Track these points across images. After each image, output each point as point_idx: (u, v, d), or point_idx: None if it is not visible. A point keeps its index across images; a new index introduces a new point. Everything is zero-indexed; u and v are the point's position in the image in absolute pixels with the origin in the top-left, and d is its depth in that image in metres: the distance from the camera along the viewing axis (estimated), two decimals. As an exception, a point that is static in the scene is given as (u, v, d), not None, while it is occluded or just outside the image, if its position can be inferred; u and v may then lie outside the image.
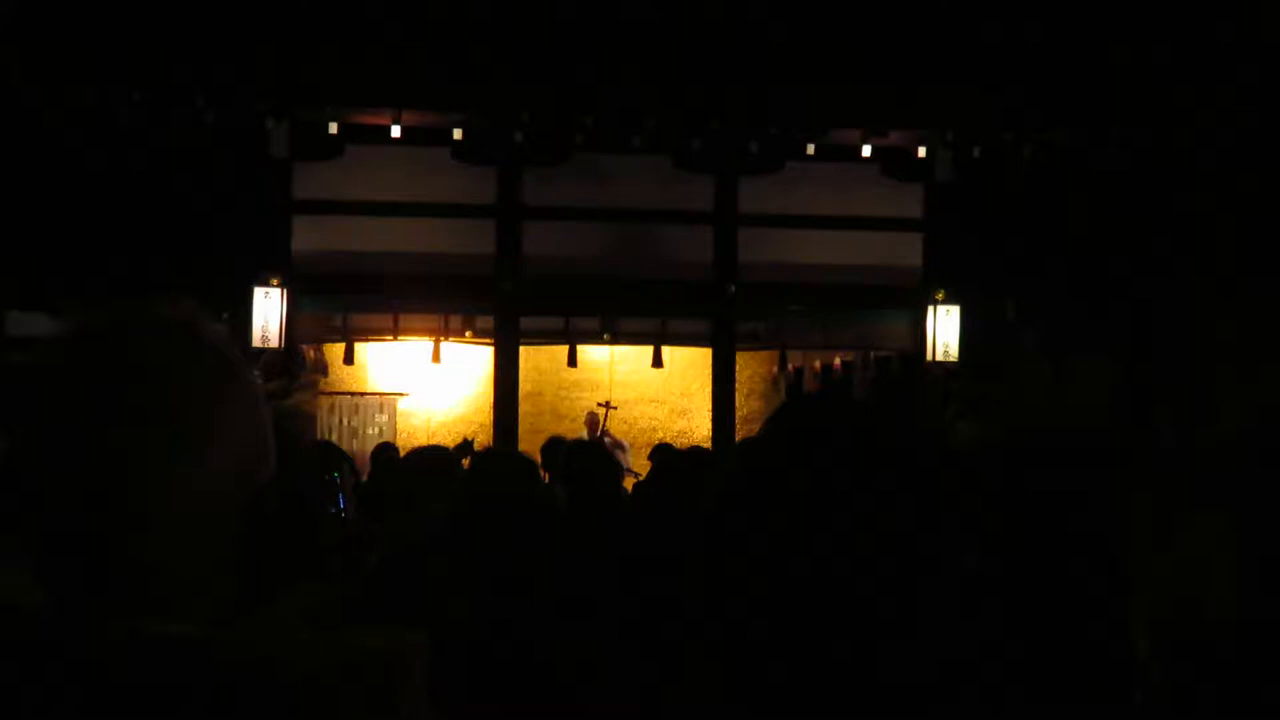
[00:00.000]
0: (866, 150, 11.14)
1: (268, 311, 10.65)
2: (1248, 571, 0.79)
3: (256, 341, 10.56)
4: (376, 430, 13.55)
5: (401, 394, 14.01)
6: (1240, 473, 0.81)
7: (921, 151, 11.29)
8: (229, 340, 1.26)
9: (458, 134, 10.87)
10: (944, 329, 11.41)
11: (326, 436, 13.09)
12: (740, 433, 11.92)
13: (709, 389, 12.28)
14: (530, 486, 3.68)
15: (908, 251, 11.95)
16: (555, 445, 8.75)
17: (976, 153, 11.02)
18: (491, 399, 11.93)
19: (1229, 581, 0.84)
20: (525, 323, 11.83)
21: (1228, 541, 0.81)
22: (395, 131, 10.63)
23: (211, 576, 1.18)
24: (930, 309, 11.43)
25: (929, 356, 11.46)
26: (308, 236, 11.28)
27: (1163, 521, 0.90)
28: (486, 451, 4.36)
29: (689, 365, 13.82)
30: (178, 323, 1.22)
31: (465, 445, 8.22)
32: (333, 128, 10.67)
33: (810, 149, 11.18)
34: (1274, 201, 9.55)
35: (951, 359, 11.41)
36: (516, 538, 3.41)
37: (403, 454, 7.28)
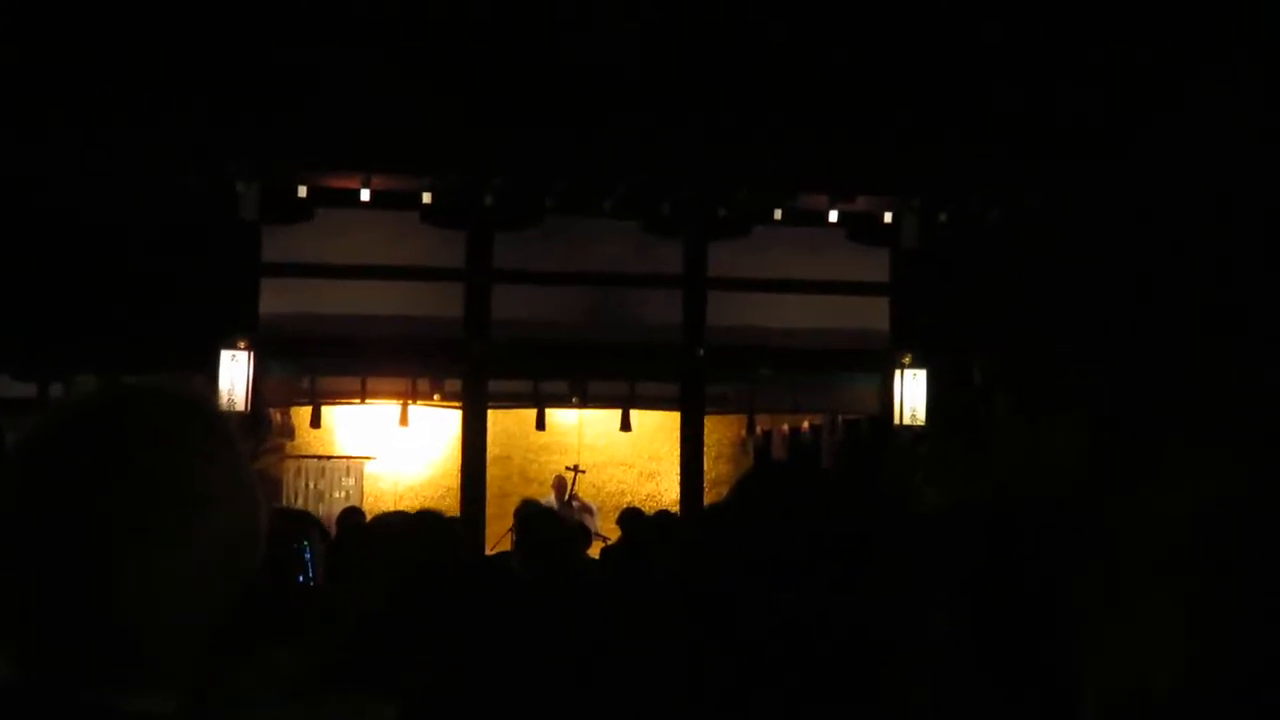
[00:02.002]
0: (834, 215, 11.24)
1: (234, 374, 10.59)
2: (1201, 647, 0.80)
3: (223, 404, 10.51)
4: (343, 494, 13.44)
5: (368, 457, 13.93)
6: (1198, 546, 0.82)
7: (888, 217, 11.40)
8: (228, 417, 1.27)
9: (427, 198, 10.91)
10: (911, 392, 11.45)
11: (292, 501, 12.99)
12: (709, 496, 11.90)
13: (678, 452, 12.27)
14: (434, 545, 3.56)
15: (875, 315, 12.03)
16: (525, 508, 8.72)
17: (942, 217, 11.13)
18: (459, 462, 11.88)
19: (1182, 656, 0.84)
20: (494, 386, 11.81)
21: (1182, 614, 0.82)
22: (365, 195, 10.65)
23: (191, 650, 1.18)
24: (898, 372, 11.49)
25: (897, 420, 11.49)
26: (276, 299, 11.26)
27: (1119, 589, 0.90)
28: (381, 516, 4.23)
29: (658, 429, 13.81)
30: (180, 399, 1.22)
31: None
32: (302, 191, 10.69)
33: (778, 214, 11.27)
34: (1238, 262, 9.68)
35: (919, 423, 11.45)
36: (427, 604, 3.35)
37: (369, 518, 7.24)
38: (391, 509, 7.65)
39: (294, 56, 10.18)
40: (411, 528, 3.58)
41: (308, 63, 10.18)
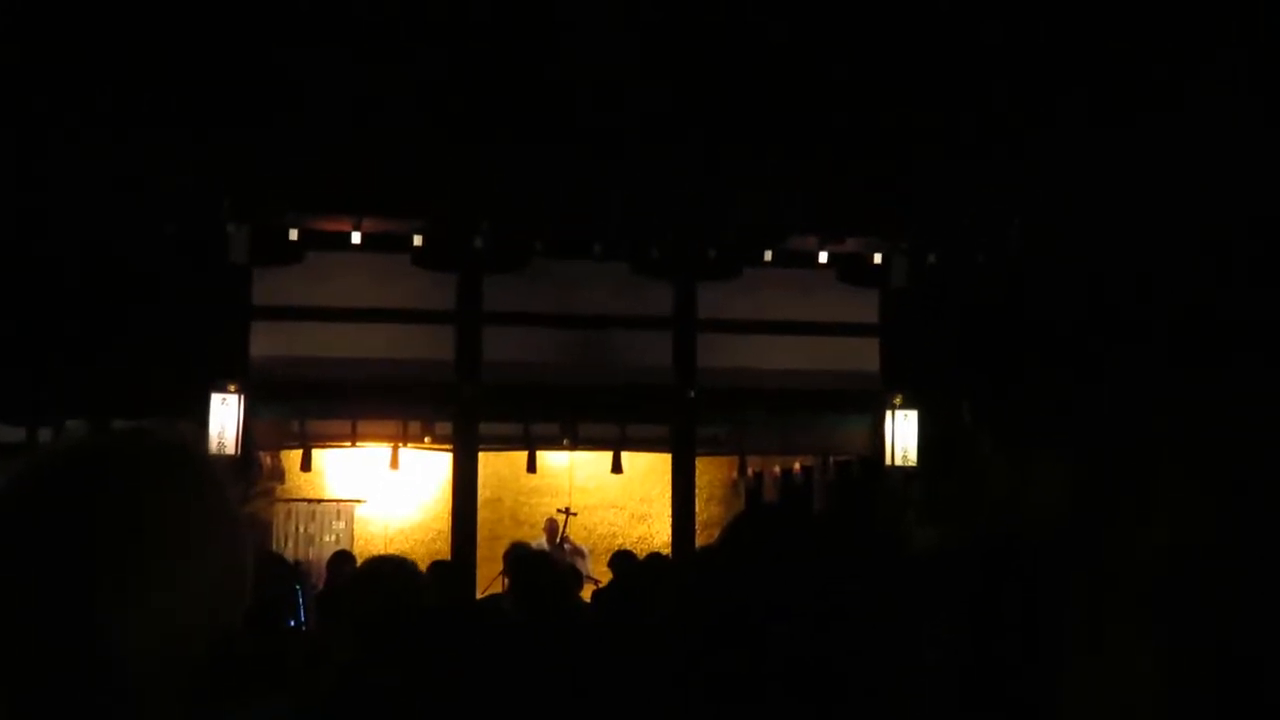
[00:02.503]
0: (823, 256, 11.28)
1: (224, 418, 10.56)
2: (1183, 683, 0.80)
3: (213, 448, 10.47)
4: (333, 538, 13.40)
5: (359, 500, 13.89)
6: (1179, 581, 0.81)
7: (877, 258, 11.44)
8: (219, 466, 1.27)
9: (418, 240, 10.93)
10: (903, 433, 11.46)
11: (282, 544, 12.96)
12: (701, 538, 11.87)
13: (669, 494, 12.25)
14: (403, 592, 3.55)
15: (865, 356, 12.05)
16: (515, 551, 8.69)
17: (931, 258, 11.18)
18: (450, 505, 11.84)
19: (1164, 693, 0.84)
20: (484, 428, 11.79)
21: (1165, 650, 0.81)
22: (355, 238, 10.67)
23: (176, 696, 1.17)
24: (889, 413, 11.49)
25: (888, 461, 11.49)
26: (266, 342, 11.25)
27: (1101, 625, 0.90)
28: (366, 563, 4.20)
29: (649, 471, 13.80)
30: (167, 443, 1.22)
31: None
32: (293, 234, 10.71)
33: (768, 255, 11.31)
34: (1220, 308, 9.71)
35: (911, 463, 11.44)
36: (403, 646, 3.33)
37: (359, 562, 7.21)
38: (382, 552, 7.63)
39: (285, 99, 10.22)
40: (372, 577, 3.57)
41: (298, 105, 10.22)
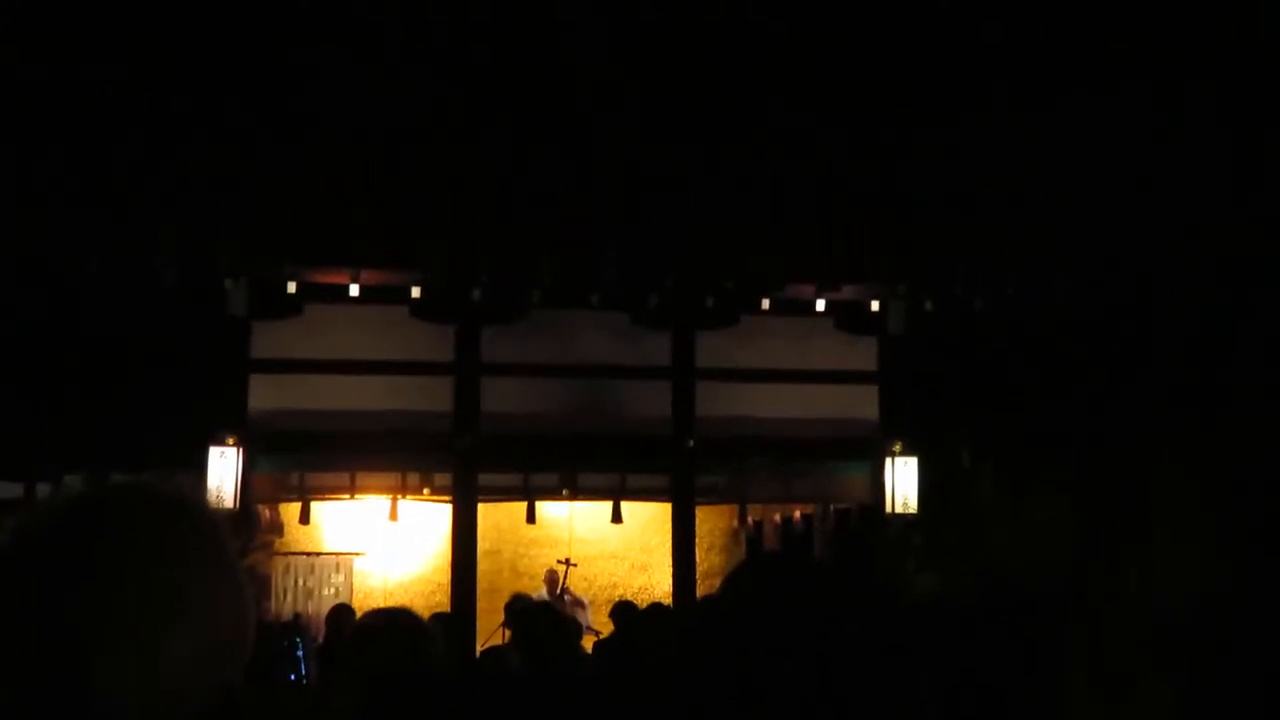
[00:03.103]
0: (821, 304, 11.30)
1: (223, 471, 10.55)
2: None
3: (211, 502, 10.45)
4: (332, 591, 13.34)
5: (358, 553, 13.84)
6: (1186, 639, 0.82)
7: (875, 305, 11.47)
8: (217, 518, 1.26)
9: (416, 292, 10.95)
10: (902, 480, 11.43)
11: (281, 599, 12.90)
12: (701, 588, 11.82)
13: (669, 544, 12.20)
14: (411, 649, 3.51)
15: (864, 403, 12.04)
16: (516, 603, 8.65)
17: (928, 305, 11.20)
18: (450, 557, 11.80)
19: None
20: (483, 479, 11.76)
21: (1170, 705, 0.81)
22: (354, 290, 10.69)
23: None
24: (888, 460, 11.48)
25: (888, 508, 11.46)
26: (265, 395, 11.25)
27: (1106, 679, 0.90)
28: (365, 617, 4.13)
29: (649, 520, 13.76)
30: (169, 498, 1.22)
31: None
32: (291, 287, 10.73)
33: (766, 304, 11.33)
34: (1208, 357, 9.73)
35: (911, 510, 11.42)
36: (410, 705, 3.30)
37: (359, 615, 7.17)
38: (381, 605, 7.59)
39: (282, 151, 10.27)
40: (380, 629, 3.55)
41: (296, 158, 10.27)
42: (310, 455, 11.42)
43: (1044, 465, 10.63)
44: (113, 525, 1.17)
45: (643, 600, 11.29)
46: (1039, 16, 10.06)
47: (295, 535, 13.01)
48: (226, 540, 1.23)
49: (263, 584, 11.71)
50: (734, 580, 1.41)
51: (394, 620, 3.63)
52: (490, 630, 10.69)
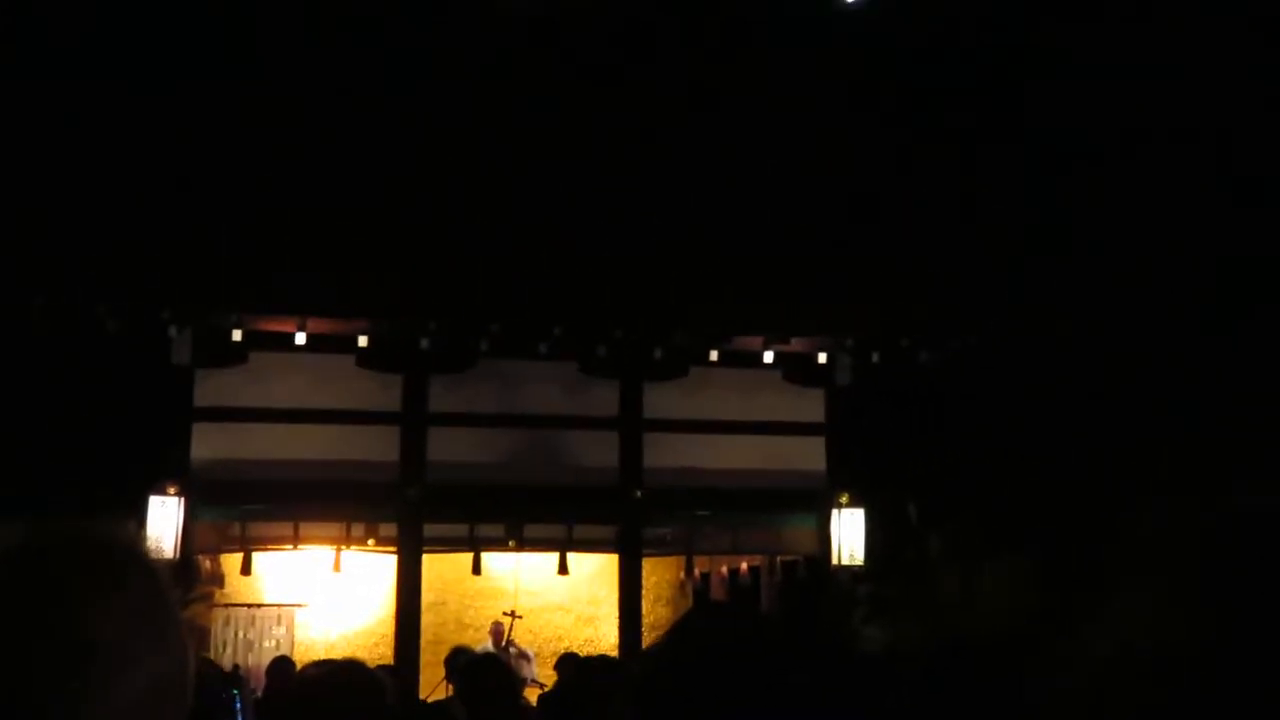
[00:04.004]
0: (768, 356, 11.35)
1: (164, 520, 10.40)
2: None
3: (151, 552, 10.27)
4: (273, 643, 13.14)
5: (299, 605, 13.65)
6: (1139, 689, 0.81)
7: (822, 357, 11.53)
8: (159, 565, 1.23)
9: (363, 341, 10.90)
10: (849, 532, 11.45)
11: (221, 651, 12.69)
12: (648, 639, 11.75)
13: (616, 596, 12.14)
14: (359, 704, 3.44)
15: (811, 455, 12.07)
16: (458, 656, 8.56)
17: (875, 358, 11.27)
18: (394, 609, 11.67)
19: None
20: (429, 530, 11.67)
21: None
22: (300, 339, 10.62)
23: None
24: (835, 512, 11.49)
25: (835, 560, 11.47)
26: (208, 444, 11.12)
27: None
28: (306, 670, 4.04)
29: (596, 572, 13.68)
30: (109, 544, 1.19)
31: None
32: (236, 335, 10.64)
33: (714, 355, 11.37)
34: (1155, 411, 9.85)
35: (858, 562, 11.43)
36: None
37: (299, 668, 7.07)
38: (322, 658, 7.48)
39: (229, 199, 10.22)
40: (333, 678, 3.49)
41: (243, 205, 10.23)
42: (253, 505, 11.28)
43: (992, 518, 10.69)
44: (54, 573, 1.14)
45: (588, 652, 11.20)
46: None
47: (236, 586, 12.82)
48: (167, 586, 1.20)
49: (202, 636, 11.52)
50: (680, 630, 1.39)
51: (344, 671, 3.57)
52: (434, 683, 10.56)
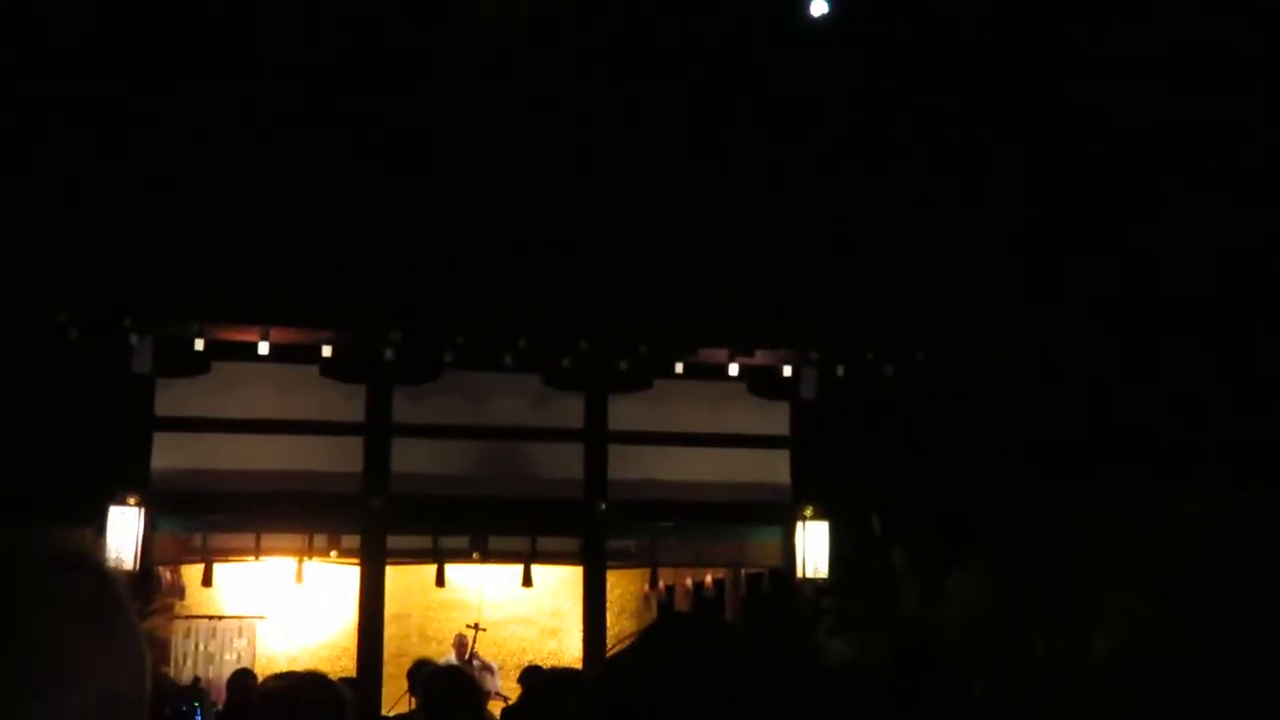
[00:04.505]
0: (734, 369, 11.35)
1: (123, 531, 10.29)
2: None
3: (110, 563, 10.18)
4: (234, 656, 13.03)
5: (261, 617, 13.55)
6: (1127, 688, 0.80)
7: (787, 370, 11.55)
8: (115, 574, 1.20)
9: (327, 351, 10.84)
10: (814, 545, 11.46)
11: (181, 664, 12.58)
12: (611, 652, 11.71)
13: (580, 608, 12.11)
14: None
15: (776, 468, 12.08)
16: (420, 669, 8.51)
17: (840, 371, 11.30)
18: (357, 621, 11.60)
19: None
20: (392, 541, 11.61)
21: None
22: (263, 349, 10.55)
23: None
24: (800, 525, 11.50)
25: (800, 573, 11.47)
26: (169, 454, 11.02)
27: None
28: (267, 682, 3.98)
29: (560, 584, 13.64)
30: (64, 550, 1.16)
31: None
32: (199, 344, 10.56)
33: (679, 368, 11.36)
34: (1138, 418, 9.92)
35: (822, 575, 11.43)
36: None
37: (260, 680, 7.00)
38: (284, 670, 7.42)
39: (193, 207, 10.16)
40: (294, 691, 3.46)
41: (206, 213, 10.17)
42: (214, 516, 11.19)
43: (956, 532, 10.73)
44: (11, 581, 1.12)
45: (552, 665, 11.16)
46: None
47: (197, 598, 12.72)
48: (123, 593, 1.18)
49: (162, 648, 11.40)
50: (645, 639, 1.38)
51: (306, 684, 3.54)
52: (397, 696, 10.49)
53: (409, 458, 11.45)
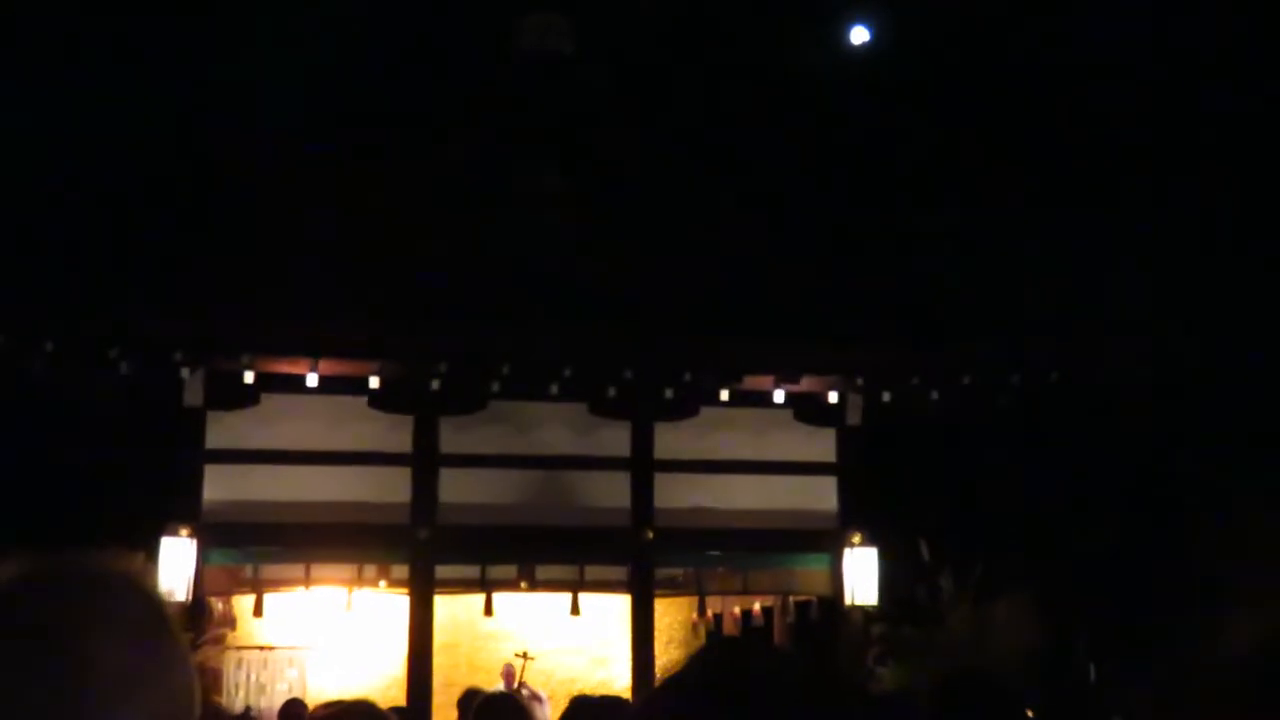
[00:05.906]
0: (779, 396, 11.33)
1: (176, 562, 10.38)
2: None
3: (156, 585, 10.24)
4: (285, 686, 13.08)
5: (311, 647, 13.60)
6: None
7: (833, 397, 11.51)
8: (165, 598, 1.23)
9: (375, 382, 10.91)
10: (862, 572, 11.39)
11: (233, 694, 12.64)
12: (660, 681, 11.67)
13: (629, 637, 12.08)
14: None
15: (823, 495, 12.02)
16: (472, 698, 8.50)
17: (886, 397, 11.25)
18: (406, 650, 11.62)
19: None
20: (441, 571, 11.64)
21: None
22: (312, 380, 10.64)
23: None
24: (847, 552, 11.44)
25: (848, 600, 11.41)
26: (220, 485, 11.12)
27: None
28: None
29: (608, 613, 13.61)
30: (117, 574, 1.19)
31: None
32: (248, 377, 10.66)
33: (724, 395, 11.35)
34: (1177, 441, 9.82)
35: (870, 603, 11.36)
36: None
37: (311, 709, 7.03)
38: (334, 700, 7.45)
39: (246, 244, 10.28)
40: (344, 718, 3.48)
41: (257, 248, 10.28)
42: (265, 547, 11.27)
43: (1004, 558, 10.65)
44: (63, 601, 1.15)
45: (601, 695, 11.11)
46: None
47: (248, 628, 12.78)
48: (172, 617, 1.20)
49: (215, 678, 11.47)
50: (699, 662, 1.39)
51: (355, 712, 3.56)
52: (446, 726, 10.50)
53: (456, 488, 11.48)
